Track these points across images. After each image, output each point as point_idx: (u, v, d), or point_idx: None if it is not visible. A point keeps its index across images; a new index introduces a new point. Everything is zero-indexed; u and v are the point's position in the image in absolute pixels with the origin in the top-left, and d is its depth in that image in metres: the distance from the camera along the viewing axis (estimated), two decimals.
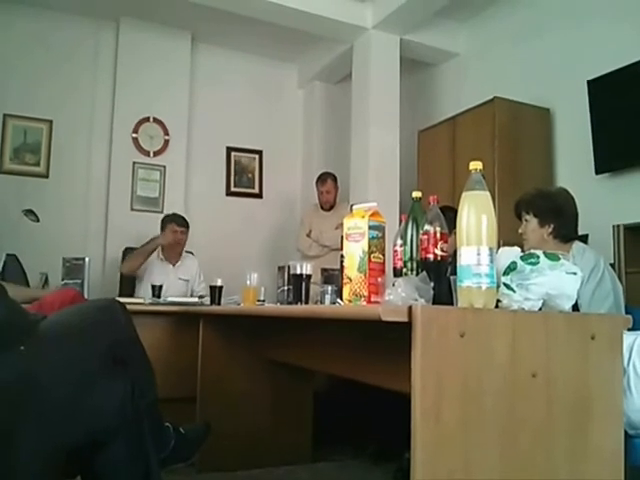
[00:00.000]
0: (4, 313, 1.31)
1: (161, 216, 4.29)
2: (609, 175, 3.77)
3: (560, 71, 4.17)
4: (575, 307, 1.58)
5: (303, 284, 2.35)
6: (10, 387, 1.27)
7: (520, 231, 2.52)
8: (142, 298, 3.47)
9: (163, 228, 4.11)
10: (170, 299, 3.38)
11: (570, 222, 2.45)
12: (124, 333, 1.74)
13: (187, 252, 4.32)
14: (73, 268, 3.06)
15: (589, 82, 3.82)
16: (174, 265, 4.14)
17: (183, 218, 4.18)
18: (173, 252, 4.13)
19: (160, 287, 3.46)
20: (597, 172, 3.78)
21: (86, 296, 2.81)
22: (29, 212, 4.22)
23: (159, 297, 3.40)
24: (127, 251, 4.44)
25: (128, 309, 1.85)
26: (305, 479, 2.75)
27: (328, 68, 5.53)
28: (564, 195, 2.49)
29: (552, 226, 2.42)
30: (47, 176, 4.83)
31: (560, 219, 2.42)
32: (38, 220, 4.25)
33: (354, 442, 3.18)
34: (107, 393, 1.51)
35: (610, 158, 3.72)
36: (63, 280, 3.03)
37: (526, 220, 2.49)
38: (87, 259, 3.10)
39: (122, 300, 2.28)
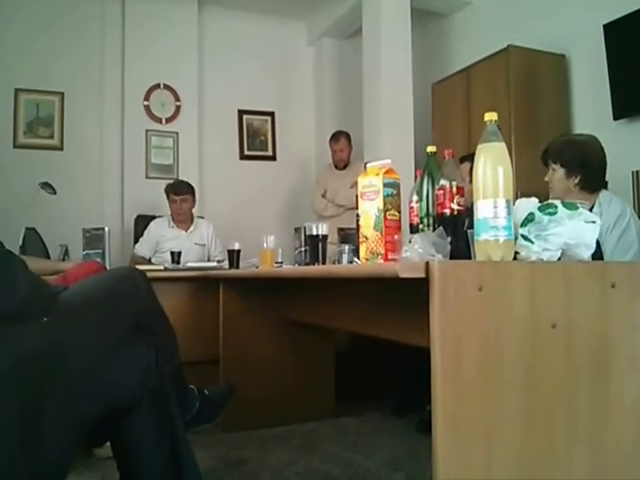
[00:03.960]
0: (25, 286, 1.32)
1: None
2: (627, 120, 3.69)
3: (575, 16, 4.05)
4: (599, 256, 1.56)
5: (320, 244, 2.36)
6: (34, 357, 1.28)
7: (546, 179, 2.47)
8: (161, 264, 3.51)
9: (168, 198, 4.11)
10: (189, 264, 3.41)
11: (597, 174, 2.39)
12: (145, 301, 1.75)
13: (199, 217, 4.33)
14: (93, 238, 3.07)
15: (605, 26, 3.72)
16: (187, 231, 4.15)
17: (184, 185, 4.12)
18: (182, 219, 4.14)
19: (179, 253, 3.49)
20: (615, 118, 3.71)
21: (107, 266, 2.83)
22: (45, 185, 4.27)
23: (178, 263, 3.43)
24: (139, 219, 4.47)
25: (148, 276, 1.86)
26: (330, 434, 2.79)
27: (337, 23, 5.42)
28: (593, 144, 2.41)
29: (579, 178, 2.37)
30: (61, 148, 4.84)
31: (587, 171, 2.36)
32: (55, 192, 4.29)
33: (376, 397, 3.23)
34: (131, 361, 1.53)
35: (628, 103, 3.64)
36: (84, 251, 3.05)
37: (553, 169, 2.44)
38: (107, 229, 3.11)
39: (141, 268, 2.30)
